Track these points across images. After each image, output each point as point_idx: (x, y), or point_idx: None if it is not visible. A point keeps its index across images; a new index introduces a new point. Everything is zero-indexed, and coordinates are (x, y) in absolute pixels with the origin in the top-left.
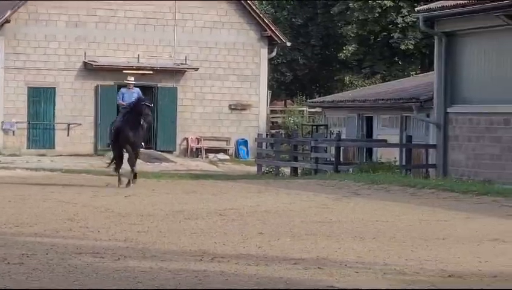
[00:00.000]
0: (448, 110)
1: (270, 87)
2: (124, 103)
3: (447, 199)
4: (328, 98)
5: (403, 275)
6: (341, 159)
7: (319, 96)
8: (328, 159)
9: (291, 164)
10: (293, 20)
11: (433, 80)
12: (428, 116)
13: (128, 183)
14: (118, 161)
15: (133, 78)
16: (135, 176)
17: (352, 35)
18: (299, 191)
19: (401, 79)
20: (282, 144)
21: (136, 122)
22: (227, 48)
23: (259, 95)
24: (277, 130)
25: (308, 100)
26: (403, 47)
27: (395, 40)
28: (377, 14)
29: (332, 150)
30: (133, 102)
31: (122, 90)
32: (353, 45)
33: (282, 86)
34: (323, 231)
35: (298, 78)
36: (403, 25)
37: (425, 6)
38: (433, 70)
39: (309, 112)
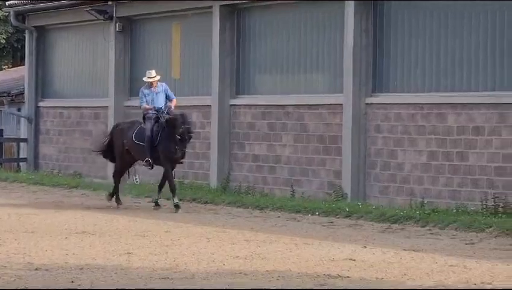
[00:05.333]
0: (40, 104)
1: None
2: (150, 107)
3: (37, 192)
4: None
5: None
6: None
7: None
8: None
9: None
10: None
11: (25, 74)
12: (19, 110)
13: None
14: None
15: (153, 72)
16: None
17: None
18: None
19: None
20: None
21: (174, 136)
22: None
23: None
24: None
25: None
26: None
27: None
28: None
29: None
30: (170, 121)
31: (144, 90)
32: None
33: None
34: None
35: None
36: None
37: (16, 0)
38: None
39: None
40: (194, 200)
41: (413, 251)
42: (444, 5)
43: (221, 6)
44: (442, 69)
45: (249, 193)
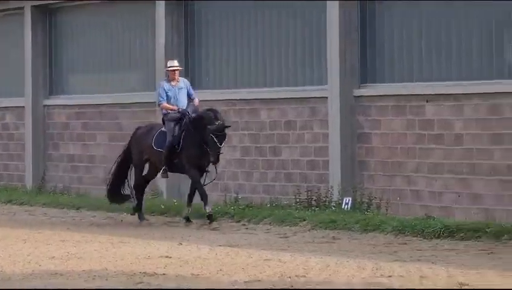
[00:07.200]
0: None
1: None
2: (173, 107)
3: None
4: None
5: None
6: None
7: None
8: None
9: None
10: None
11: None
12: None
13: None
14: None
15: (176, 62)
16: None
17: None
18: None
19: None
20: None
21: (200, 141)
22: None
23: None
24: None
25: None
26: None
27: None
28: None
29: None
30: (196, 120)
31: (164, 84)
32: None
33: None
34: None
35: None
36: None
37: None
38: None
39: None
40: (9, 201)
41: (229, 246)
42: (252, 4)
43: (32, 6)
44: (253, 66)
45: (65, 193)
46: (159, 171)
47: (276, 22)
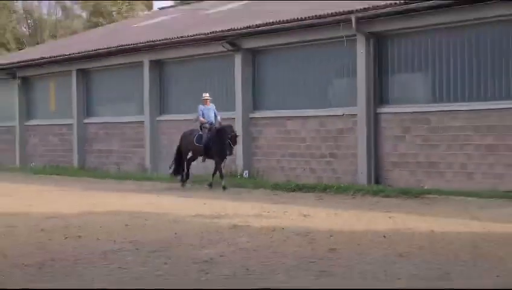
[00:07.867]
0: None
1: None
2: (205, 121)
3: None
4: None
5: None
6: None
7: None
8: None
9: None
10: None
11: None
12: None
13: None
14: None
15: (207, 94)
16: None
17: None
18: None
19: None
20: None
21: (222, 142)
22: None
23: None
24: None
25: None
26: None
27: None
28: None
29: None
30: (220, 130)
31: (201, 107)
32: None
33: None
34: None
35: None
36: None
37: None
38: None
39: None
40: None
41: (185, 197)
42: (192, 66)
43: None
44: (195, 105)
45: (95, 170)
46: (197, 156)
47: (209, 80)
